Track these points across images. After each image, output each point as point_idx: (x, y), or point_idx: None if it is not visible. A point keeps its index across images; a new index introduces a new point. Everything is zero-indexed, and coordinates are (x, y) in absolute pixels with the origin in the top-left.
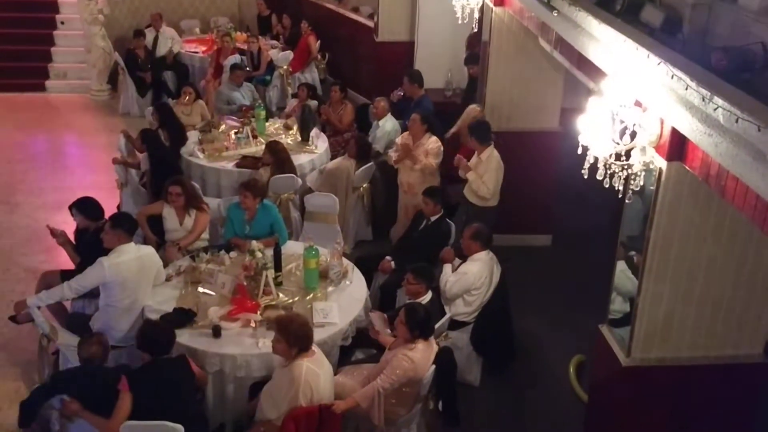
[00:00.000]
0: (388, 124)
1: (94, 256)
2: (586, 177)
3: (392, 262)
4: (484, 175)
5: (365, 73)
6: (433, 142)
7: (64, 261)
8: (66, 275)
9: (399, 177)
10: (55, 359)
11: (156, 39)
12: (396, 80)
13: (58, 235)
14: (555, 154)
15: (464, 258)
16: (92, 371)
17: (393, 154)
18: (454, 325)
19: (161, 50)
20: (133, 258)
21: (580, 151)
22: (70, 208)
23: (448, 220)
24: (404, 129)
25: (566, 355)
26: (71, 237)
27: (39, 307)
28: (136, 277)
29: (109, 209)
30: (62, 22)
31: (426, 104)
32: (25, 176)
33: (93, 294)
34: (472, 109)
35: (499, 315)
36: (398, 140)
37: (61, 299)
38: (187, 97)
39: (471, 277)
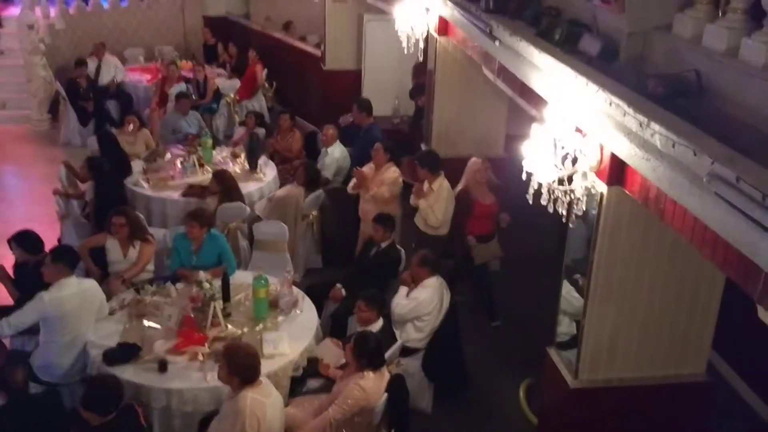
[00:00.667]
0: (336, 151)
1: (34, 290)
2: (531, 202)
3: (342, 290)
4: (435, 204)
5: (313, 100)
6: (391, 172)
7: (3, 296)
8: (4, 311)
9: (360, 205)
10: None
11: (99, 68)
12: (344, 108)
13: None
14: (501, 179)
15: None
16: (20, 403)
17: (350, 188)
18: (406, 351)
19: (104, 79)
20: (74, 292)
21: (525, 176)
22: (9, 241)
23: (397, 246)
24: (353, 156)
25: (516, 379)
26: (10, 271)
27: None
28: (77, 312)
29: (50, 242)
30: (2, 52)
31: (375, 132)
32: None
33: (33, 330)
34: (474, 162)
35: (449, 340)
36: (364, 168)
37: (0, 336)
38: (131, 126)
39: (422, 304)
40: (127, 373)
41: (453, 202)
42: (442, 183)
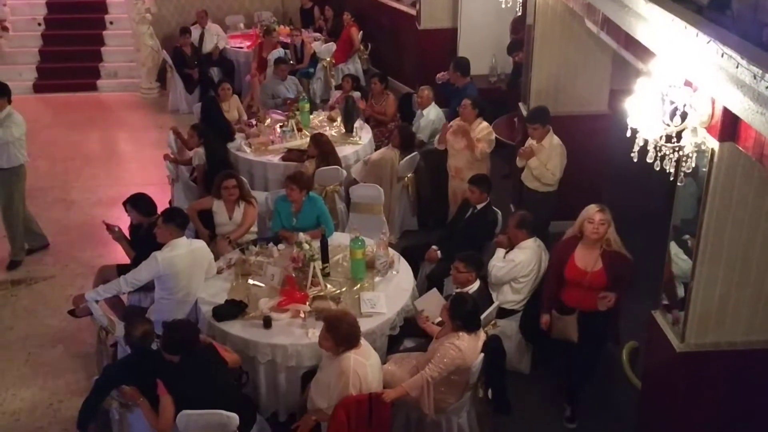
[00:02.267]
0: (432, 113)
1: (149, 250)
2: (636, 160)
3: (438, 252)
4: (548, 161)
5: (408, 62)
6: (484, 128)
7: (121, 256)
8: (122, 269)
9: (448, 162)
10: (114, 351)
11: (202, 36)
12: (439, 68)
13: (114, 231)
14: (604, 137)
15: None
16: (143, 358)
17: (449, 137)
18: (503, 313)
19: (207, 47)
20: (185, 252)
21: (629, 133)
22: (124, 204)
23: (494, 207)
24: (449, 117)
25: (619, 342)
26: (126, 232)
27: (97, 301)
28: (188, 270)
29: (162, 204)
30: (111, 22)
31: (471, 92)
32: (80, 174)
33: (148, 287)
34: (589, 210)
35: None
36: (450, 124)
37: (118, 293)
38: (226, 93)
39: (519, 266)
40: (234, 328)
41: (565, 156)
42: (552, 138)
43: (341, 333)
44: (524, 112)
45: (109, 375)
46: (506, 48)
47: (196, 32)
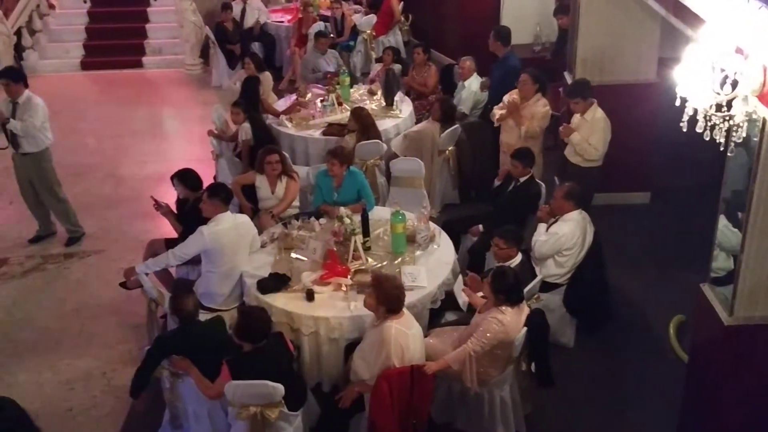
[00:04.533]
0: (474, 84)
1: (195, 224)
2: (685, 130)
3: (480, 225)
4: (591, 136)
5: (450, 32)
6: (541, 105)
7: (168, 230)
8: (170, 243)
9: (500, 137)
10: (163, 323)
11: (243, 11)
12: (482, 39)
13: (161, 206)
14: (652, 107)
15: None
16: (191, 328)
17: (497, 112)
18: (546, 287)
19: (248, 21)
20: (230, 226)
21: (678, 103)
22: (172, 178)
23: (537, 180)
24: (490, 88)
25: (665, 316)
26: (173, 207)
27: (147, 274)
28: (233, 244)
29: (206, 180)
30: None
31: (512, 62)
32: (129, 150)
33: (196, 261)
34: None
35: (593, 276)
36: (506, 98)
37: (167, 266)
38: (249, 68)
39: (563, 238)
40: (278, 301)
41: (609, 131)
42: (595, 112)
43: (385, 291)
44: (569, 82)
45: (160, 345)
46: (552, 11)
47: (237, 7)
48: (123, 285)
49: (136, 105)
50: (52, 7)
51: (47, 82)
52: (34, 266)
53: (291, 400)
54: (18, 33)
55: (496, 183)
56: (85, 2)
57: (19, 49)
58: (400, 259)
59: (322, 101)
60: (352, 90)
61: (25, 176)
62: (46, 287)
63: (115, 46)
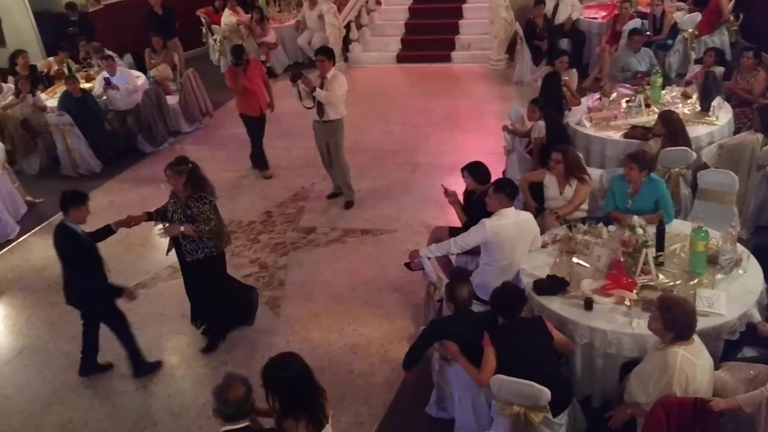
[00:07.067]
0: None
1: (479, 216)
2: None
3: None
4: None
5: None
6: None
7: (453, 218)
8: (453, 232)
9: None
10: (440, 306)
11: (556, 6)
12: None
13: (450, 195)
14: None
15: None
16: (464, 317)
17: None
18: None
19: (560, 17)
20: (512, 222)
21: None
22: (463, 170)
23: None
24: None
25: None
26: (460, 197)
27: (429, 258)
28: (513, 240)
29: (495, 174)
30: None
31: None
32: (427, 140)
33: (475, 251)
34: None
35: None
36: None
37: (448, 253)
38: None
39: None
40: (553, 304)
41: None
42: None
43: (672, 315)
44: None
45: (434, 328)
46: None
47: (550, 3)
48: (407, 265)
49: (440, 97)
50: (378, 2)
51: (367, 72)
52: (336, 237)
53: (553, 398)
54: (347, 26)
55: None
56: None
57: (346, 42)
58: (696, 281)
59: (627, 102)
60: (663, 92)
61: (324, 140)
62: (344, 258)
63: (428, 41)
